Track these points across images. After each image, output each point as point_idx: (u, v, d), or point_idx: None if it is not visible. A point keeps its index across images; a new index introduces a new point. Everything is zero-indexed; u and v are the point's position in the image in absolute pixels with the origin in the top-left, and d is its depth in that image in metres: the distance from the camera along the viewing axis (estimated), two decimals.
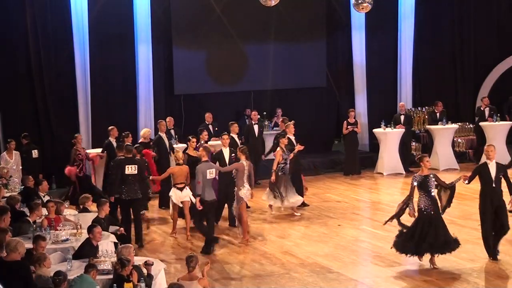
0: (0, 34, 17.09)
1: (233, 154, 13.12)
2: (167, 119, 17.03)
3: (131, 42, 18.13)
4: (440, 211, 10.43)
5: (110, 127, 16.01)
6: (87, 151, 16.39)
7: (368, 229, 13.18)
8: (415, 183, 10.29)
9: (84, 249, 9.26)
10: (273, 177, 13.94)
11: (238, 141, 15.18)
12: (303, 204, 14.63)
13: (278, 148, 14.08)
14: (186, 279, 8.02)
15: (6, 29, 17.17)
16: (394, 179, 17.96)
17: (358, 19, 19.85)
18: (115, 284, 7.67)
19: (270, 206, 14.34)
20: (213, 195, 11.95)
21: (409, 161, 18.79)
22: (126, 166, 11.97)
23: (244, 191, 12.13)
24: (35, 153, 15.91)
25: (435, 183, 10.36)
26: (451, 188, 10.48)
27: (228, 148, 13.33)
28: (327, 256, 11.53)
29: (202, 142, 14.07)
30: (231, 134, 15.09)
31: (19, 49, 17.32)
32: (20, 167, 15.32)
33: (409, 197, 10.47)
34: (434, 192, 10.36)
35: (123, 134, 15.21)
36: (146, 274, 8.31)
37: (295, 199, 14.07)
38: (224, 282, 10.34)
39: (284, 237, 12.79)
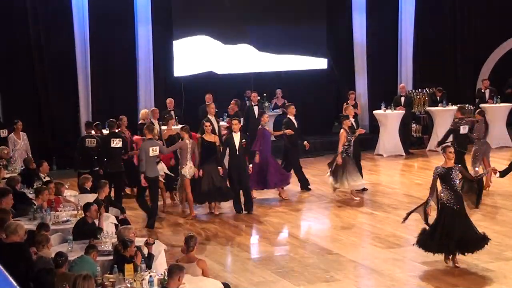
0: None
1: (243, 140, 13.15)
2: (168, 101, 17.03)
3: (131, 23, 18.04)
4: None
5: (152, 109, 15.89)
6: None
7: (368, 211, 13.19)
8: (437, 176, 9.57)
9: (79, 228, 9.24)
10: (339, 159, 13.66)
11: (295, 122, 14.63)
12: (363, 189, 14.35)
13: (342, 130, 13.90)
14: (185, 261, 7.92)
15: (4, 9, 17.07)
16: (394, 160, 17.97)
17: (358, 0, 19.77)
18: (115, 265, 7.64)
19: (335, 189, 14.01)
20: (156, 172, 12.47)
21: (409, 143, 18.91)
22: (112, 139, 13.01)
23: (187, 169, 12.78)
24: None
25: (460, 175, 9.68)
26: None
27: (239, 133, 13.24)
28: (327, 238, 11.56)
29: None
30: (288, 116, 14.68)
31: (18, 28, 17.20)
32: (29, 148, 15.02)
33: (431, 192, 9.60)
34: (458, 185, 9.69)
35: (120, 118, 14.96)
36: (146, 254, 8.26)
37: (359, 182, 13.84)
38: (223, 263, 10.40)
39: (285, 219, 12.78)
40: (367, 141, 19.17)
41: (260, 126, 14.16)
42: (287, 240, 11.50)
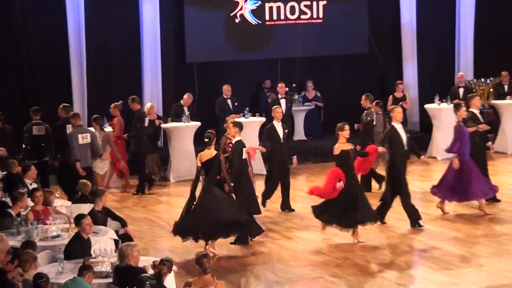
0: None
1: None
2: (185, 96, 17.17)
3: (134, 0, 18.22)
4: None
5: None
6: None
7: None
8: None
9: (74, 246, 9.30)
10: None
11: (478, 116, 14.38)
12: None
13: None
14: (200, 285, 7.96)
15: None
16: None
17: None
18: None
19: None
20: (88, 162, 13.84)
21: None
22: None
23: (97, 163, 14.38)
24: None
25: None
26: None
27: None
28: (368, 257, 11.52)
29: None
30: (471, 109, 14.26)
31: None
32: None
33: None
34: None
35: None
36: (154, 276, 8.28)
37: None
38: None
39: (315, 233, 12.74)
40: (418, 141, 18.99)
41: (456, 121, 13.84)
42: (318, 260, 11.49)
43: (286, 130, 14.09)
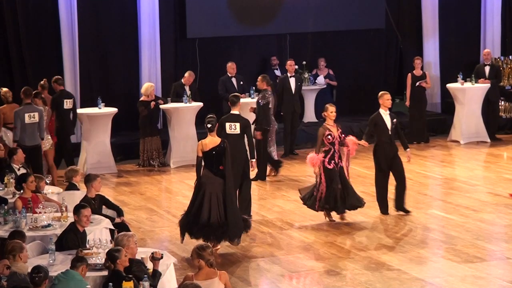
0: None
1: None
2: (186, 74, 17.17)
3: None
4: None
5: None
6: (81, 111, 16.67)
7: (439, 214, 13.15)
8: None
9: (68, 237, 9.33)
10: None
11: None
12: None
13: None
14: (203, 278, 8.02)
15: None
16: (475, 149, 17.85)
17: None
18: (110, 283, 7.73)
19: None
20: (36, 141, 14.08)
21: (496, 126, 18.78)
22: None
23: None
24: None
25: None
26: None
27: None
28: (385, 249, 11.54)
29: None
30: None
31: None
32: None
33: None
34: None
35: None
36: (151, 270, 8.39)
37: None
38: (248, 280, 10.54)
39: (328, 224, 12.83)
40: (439, 124, 19.20)
41: None
42: (331, 252, 11.51)
43: (395, 120, 13.18)
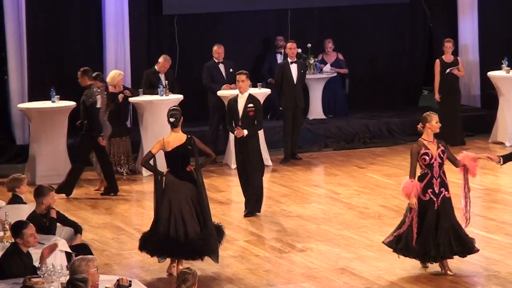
0: None
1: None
2: (161, 60, 17.04)
3: None
4: None
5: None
6: (22, 106, 16.77)
7: (477, 233, 12.88)
8: None
9: (12, 261, 9.33)
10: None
11: None
12: None
13: None
14: None
15: None
16: None
17: None
18: None
19: None
20: None
21: None
22: None
23: None
24: None
25: None
26: None
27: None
28: (411, 277, 11.55)
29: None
30: None
31: None
32: None
33: None
34: None
35: None
36: None
37: None
38: None
39: (338, 245, 12.78)
40: (478, 121, 19.08)
41: None
42: (344, 280, 11.53)
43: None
